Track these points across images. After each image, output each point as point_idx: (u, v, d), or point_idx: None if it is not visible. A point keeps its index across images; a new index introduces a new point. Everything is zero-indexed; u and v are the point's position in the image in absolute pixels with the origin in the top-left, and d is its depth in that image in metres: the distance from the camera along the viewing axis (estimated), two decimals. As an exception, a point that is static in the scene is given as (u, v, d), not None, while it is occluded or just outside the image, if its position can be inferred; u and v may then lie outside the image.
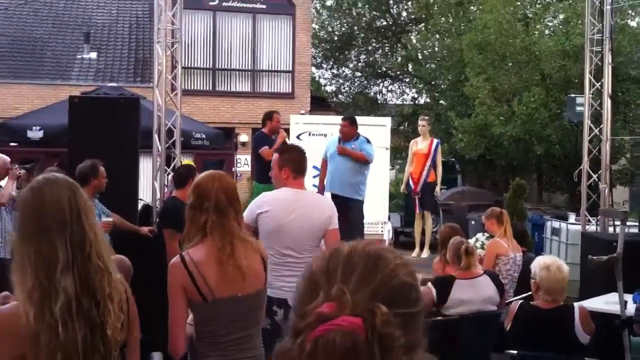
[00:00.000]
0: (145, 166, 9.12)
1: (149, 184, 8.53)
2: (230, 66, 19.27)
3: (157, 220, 7.27)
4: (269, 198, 4.35)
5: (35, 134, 9.91)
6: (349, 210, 8.80)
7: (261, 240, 4.26)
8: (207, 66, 19.10)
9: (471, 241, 7.28)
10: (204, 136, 11.40)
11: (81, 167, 5.92)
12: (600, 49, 8.73)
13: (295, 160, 4.36)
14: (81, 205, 2.17)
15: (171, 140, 8.36)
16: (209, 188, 2.97)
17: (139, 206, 8.01)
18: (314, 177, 10.66)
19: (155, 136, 8.09)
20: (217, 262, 2.89)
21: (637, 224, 7.93)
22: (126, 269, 4.23)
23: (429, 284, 5.42)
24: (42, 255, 2.08)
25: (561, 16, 16.50)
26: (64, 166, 8.58)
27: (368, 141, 8.84)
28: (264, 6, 19.06)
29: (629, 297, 5.19)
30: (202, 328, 2.93)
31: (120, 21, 20.41)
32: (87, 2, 20.67)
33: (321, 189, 9.35)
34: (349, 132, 8.65)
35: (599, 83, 8.74)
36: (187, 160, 9.67)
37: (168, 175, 8.28)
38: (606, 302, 5.57)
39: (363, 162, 8.63)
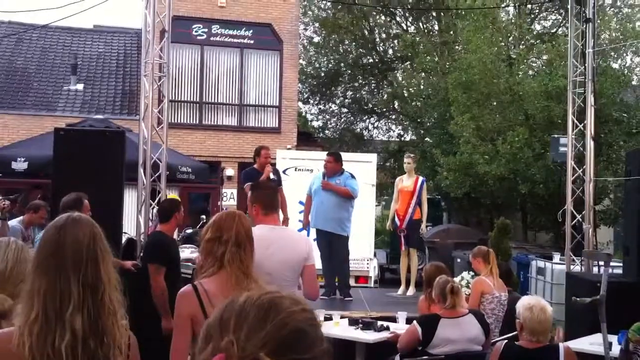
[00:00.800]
0: (131, 199, 9.07)
1: (134, 217, 8.46)
2: (218, 100, 19.32)
3: (142, 254, 7.20)
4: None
5: (20, 165, 9.85)
6: (334, 245, 8.80)
7: None
8: (195, 100, 19.15)
9: (457, 279, 7.30)
10: (189, 170, 11.38)
11: (65, 200, 5.87)
12: (582, 91, 8.85)
13: (264, 196, 4.34)
14: (99, 247, 2.19)
15: (157, 174, 8.32)
16: (230, 222, 3.01)
17: (123, 239, 7.93)
18: (300, 212, 10.65)
19: (141, 170, 8.06)
20: (230, 294, 2.79)
21: (621, 264, 7.94)
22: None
23: (415, 322, 5.40)
24: (55, 290, 2.08)
25: (544, 57, 16.77)
26: (47, 198, 8.54)
27: (352, 177, 8.89)
28: (252, 41, 19.21)
29: (613, 338, 5.18)
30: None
31: (108, 53, 20.46)
32: (75, 33, 20.72)
33: (306, 224, 9.34)
34: (334, 168, 8.70)
35: (582, 124, 8.84)
36: (172, 195, 9.63)
37: (153, 208, 8.22)
38: (591, 343, 5.55)
39: (347, 197, 8.66)
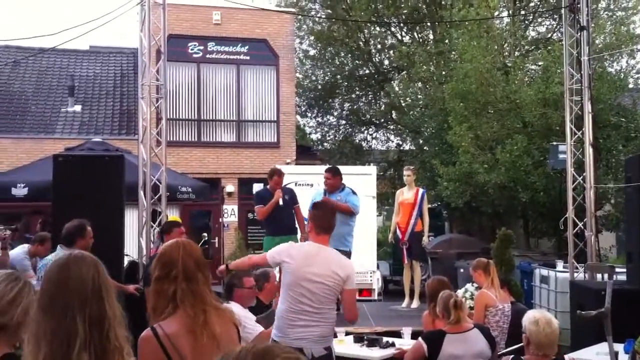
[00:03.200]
0: (131, 220, 9.06)
1: (135, 238, 8.45)
2: (215, 117, 19.36)
3: (143, 277, 7.19)
4: (295, 248, 4.71)
5: (20, 191, 9.84)
6: None
7: (281, 287, 4.65)
8: (192, 117, 19.19)
9: (460, 292, 7.28)
10: (189, 189, 11.37)
11: (68, 227, 5.88)
12: (579, 98, 8.87)
13: (318, 217, 4.68)
14: (103, 283, 2.18)
15: (157, 195, 8.33)
16: (175, 256, 2.84)
17: (125, 262, 7.93)
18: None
19: (141, 192, 8.07)
20: (191, 333, 2.73)
21: (624, 270, 7.92)
22: None
23: (420, 338, 5.38)
24: (61, 331, 2.07)
25: (540, 63, 16.80)
26: (48, 223, 8.54)
27: (354, 192, 8.88)
28: (248, 57, 19.28)
29: (619, 347, 5.17)
30: None
31: (105, 74, 20.52)
32: (72, 55, 20.78)
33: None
34: (333, 184, 8.70)
35: (580, 132, 8.85)
36: (174, 217, 9.63)
37: (154, 230, 8.22)
38: (597, 353, 5.54)
39: (348, 213, 8.65)
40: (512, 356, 4.56)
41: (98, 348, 2.08)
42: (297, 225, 8.67)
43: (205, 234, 14.17)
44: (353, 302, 4.58)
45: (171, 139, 17.46)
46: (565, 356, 4.80)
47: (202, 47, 18.93)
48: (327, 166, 9.83)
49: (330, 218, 4.70)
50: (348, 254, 8.92)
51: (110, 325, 2.12)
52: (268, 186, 8.62)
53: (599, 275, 8.28)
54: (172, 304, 2.79)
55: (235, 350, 1.25)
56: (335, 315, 4.68)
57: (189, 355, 2.72)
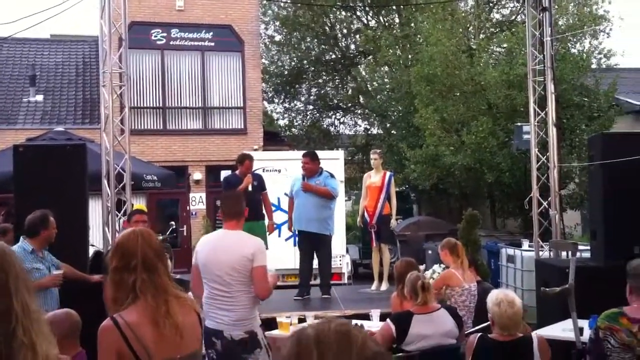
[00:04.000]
0: (96, 210, 8.95)
1: (100, 228, 8.35)
2: (181, 104, 19.17)
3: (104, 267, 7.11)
4: (203, 240, 4.95)
5: (-19, 182, 9.63)
6: (318, 245, 8.83)
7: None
8: (157, 105, 18.96)
9: (428, 273, 7.32)
10: (155, 177, 11.26)
11: (30, 218, 5.76)
12: (542, 79, 8.94)
13: (224, 204, 4.98)
14: (11, 275, 2.02)
15: (121, 184, 8.22)
16: (133, 246, 2.77)
17: (90, 252, 7.82)
18: (274, 210, 10.62)
19: (104, 181, 7.96)
20: (153, 323, 2.68)
21: (588, 247, 8.05)
22: (74, 323, 4.06)
23: (388, 320, 5.40)
24: None
25: (504, 46, 16.92)
26: (11, 214, 8.37)
27: (332, 175, 8.99)
28: (212, 44, 19.09)
29: (584, 323, 5.24)
30: None
31: (67, 63, 20.17)
32: (32, 44, 20.37)
33: (290, 229, 9.38)
34: (312, 168, 8.76)
35: (544, 112, 8.93)
36: (139, 205, 9.52)
37: (119, 219, 8.12)
38: (563, 329, 5.61)
39: (328, 197, 8.70)
40: (479, 334, 4.60)
41: (3, 343, 1.95)
42: (264, 212, 8.65)
43: (173, 222, 14.01)
44: (262, 279, 4.63)
45: (137, 127, 17.27)
46: (532, 333, 4.86)
47: (165, 34, 18.69)
48: (303, 151, 9.80)
49: (234, 204, 4.91)
50: (330, 239, 8.98)
51: (18, 321, 1.97)
52: (237, 172, 8.54)
53: (563, 253, 8.39)
54: (132, 294, 2.73)
55: (308, 331, 1.23)
56: (254, 299, 4.71)
57: (152, 345, 2.67)
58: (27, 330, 2.01)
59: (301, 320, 6.40)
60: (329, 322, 1.25)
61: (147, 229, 3.04)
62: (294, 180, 9.15)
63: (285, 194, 10.00)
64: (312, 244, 8.87)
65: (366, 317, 6.53)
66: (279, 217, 10.45)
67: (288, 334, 5.43)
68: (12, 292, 2.01)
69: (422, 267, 7.09)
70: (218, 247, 4.69)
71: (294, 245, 10.35)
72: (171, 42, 18.77)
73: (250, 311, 4.76)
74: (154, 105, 18.92)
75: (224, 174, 13.21)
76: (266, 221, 8.62)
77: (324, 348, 1.18)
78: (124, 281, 2.74)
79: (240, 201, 4.99)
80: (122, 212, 8.15)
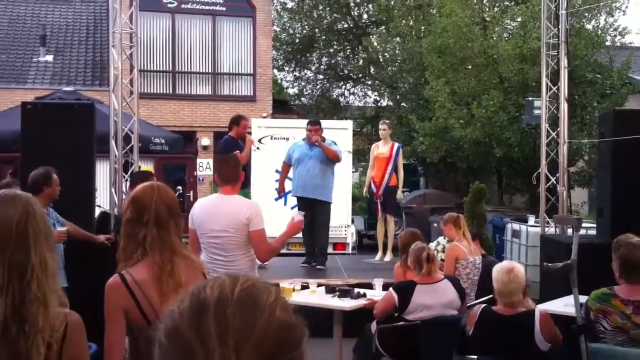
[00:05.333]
0: (103, 172, 8.96)
1: (107, 190, 8.36)
2: (191, 69, 19.08)
3: (115, 227, 7.13)
4: (199, 203, 4.91)
5: (-12, 140, 9.64)
6: (318, 212, 8.80)
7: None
8: (167, 69, 18.89)
9: (432, 245, 7.32)
10: (163, 141, 11.24)
11: (33, 175, 5.75)
12: (556, 53, 8.82)
13: (219, 169, 5.02)
14: (33, 228, 2.02)
15: (129, 146, 8.22)
16: (148, 200, 2.76)
17: (97, 213, 7.85)
18: (277, 181, 10.59)
19: (112, 142, 7.95)
20: (157, 281, 2.68)
21: (594, 225, 8.02)
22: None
23: (391, 289, 5.43)
24: None
25: (519, 19, 16.71)
26: (18, 172, 8.38)
27: (335, 143, 8.93)
28: (224, 8, 18.93)
29: (586, 299, 5.24)
30: (141, 350, 2.71)
31: (77, 23, 20.06)
32: (43, 4, 20.25)
33: (281, 192, 9.34)
34: (320, 136, 8.72)
35: (556, 87, 8.84)
36: (146, 167, 9.52)
37: (127, 181, 8.13)
38: (565, 305, 5.61)
39: (334, 159, 8.70)
40: (483, 305, 4.61)
41: (17, 295, 1.96)
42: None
43: (179, 187, 14.07)
44: (261, 242, 4.62)
45: (146, 90, 17.22)
46: (534, 308, 4.87)
47: (176, -3, 18.54)
48: (307, 119, 9.74)
49: (231, 168, 4.88)
50: (329, 206, 8.94)
51: (33, 274, 1.98)
52: (232, 134, 8.37)
53: (569, 230, 8.37)
54: (142, 249, 2.73)
55: (207, 294, 1.03)
56: (252, 263, 4.73)
57: (158, 303, 2.66)
58: (42, 286, 2.00)
59: (304, 287, 6.43)
60: (235, 282, 1.05)
61: (164, 184, 3.00)
62: (293, 146, 9.10)
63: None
64: (311, 210, 8.82)
65: (369, 286, 6.55)
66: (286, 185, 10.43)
67: (290, 299, 5.44)
68: (30, 245, 2.01)
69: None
70: (214, 212, 4.66)
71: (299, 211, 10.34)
72: (182, 5, 18.62)
73: (249, 273, 4.78)
74: (164, 69, 18.84)
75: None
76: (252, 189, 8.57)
77: (224, 320, 0.99)
78: (134, 234, 2.75)
79: (237, 165, 4.96)
80: (128, 173, 8.15)
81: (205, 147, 18.49)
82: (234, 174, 4.84)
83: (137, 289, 2.66)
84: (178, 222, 2.84)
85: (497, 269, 4.37)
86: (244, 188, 7.96)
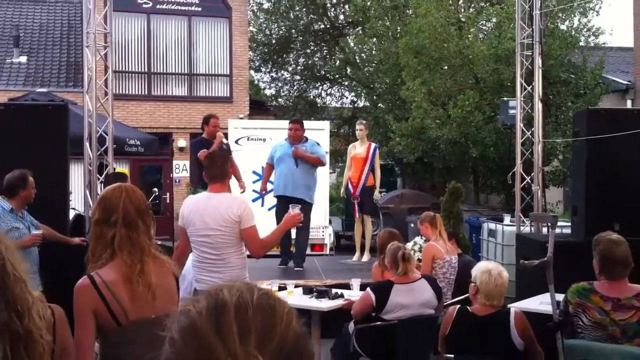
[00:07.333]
0: (78, 174, 8.87)
1: (82, 191, 8.28)
2: (166, 70, 18.95)
3: (89, 230, 7.05)
4: (188, 201, 4.87)
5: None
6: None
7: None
8: (142, 70, 18.74)
9: (409, 245, 7.34)
10: (138, 142, 11.13)
11: (9, 178, 5.67)
12: (530, 53, 8.90)
13: (208, 167, 4.86)
14: None
15: (103, 148, 8.14)
16: (116, 200, 2.76)
17: (71, 215, 7.76)
18: (254, 182, 10.55)
19: (86, 143, 7.87)
20: (127, 282, 2.66)
21: (569, 224, 8.09)
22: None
23: (368, 289, 5.43)
24: None
25: (494, 20, 16.84)
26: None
27: (318, 144, 8.90)
28: (200, 8, 18.83)
29: (562, 297, 5.28)
30: (113, 352, 2.70)
31: (52, 24, 19.83)
32: (17, 4, 20.00)
33: (262, 191, 9.30)
34: (301, 135, 8.67)
35: (530, 87, 8.91)
36: (121, 169, 9.44)
37: (101, 183, 8.05)
38: (541, 302, 5.65)
39: (319, 165, 8.67)
40: (459, 305, 4.63)
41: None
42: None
43: (155, 189, 13.93)
44: (253, 239, 4.64)
45: (121, 92, 17.08)
46: (509, 306, 4.90)
47: (151, -3, 18.41)
48: (289, 120, 9.67)
49: (219, 166, 4.84)
50: (311, 207, 8.89)
51: (5, 258, 2.01)
52: (204, 134, 8.38)
53: (544, 229, 8.44)
54: (110, 249, 2.71)
55: (225, 297, 1.03)
56: (243, 261, 4.74)
57: (128, 304, 2.65)
58: (15, 266, 2.03)
59: (282, 288, 6.40)
60: (251, 288, 1.05)
61: (132, 185, 2.99)
62: (275, 146, 9.07)
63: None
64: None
65: (347, 286, 6.55)
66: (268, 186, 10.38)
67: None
68: None
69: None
70: (204, 210, 4.64)
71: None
72: (157, 6, 18.49)
73: (240, 271, 4.75)
74: (139, 70, 18.69)
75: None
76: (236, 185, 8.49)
77: (246, 323, 0.99)
78: (103, 235, 2.73)
79: (225, 163, 4.94)
80: (103, 175, 8.07)
81: (181, 149, 18.37)
82: (222, 171, 4.83)
83: (107, 290, 2.64)
84: (147, 222, 2.83)
85: (484, 270, 4.36)
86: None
